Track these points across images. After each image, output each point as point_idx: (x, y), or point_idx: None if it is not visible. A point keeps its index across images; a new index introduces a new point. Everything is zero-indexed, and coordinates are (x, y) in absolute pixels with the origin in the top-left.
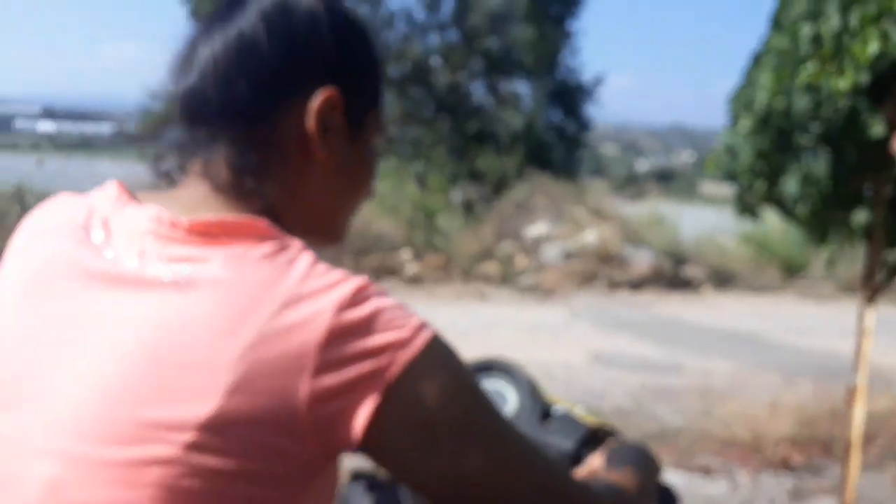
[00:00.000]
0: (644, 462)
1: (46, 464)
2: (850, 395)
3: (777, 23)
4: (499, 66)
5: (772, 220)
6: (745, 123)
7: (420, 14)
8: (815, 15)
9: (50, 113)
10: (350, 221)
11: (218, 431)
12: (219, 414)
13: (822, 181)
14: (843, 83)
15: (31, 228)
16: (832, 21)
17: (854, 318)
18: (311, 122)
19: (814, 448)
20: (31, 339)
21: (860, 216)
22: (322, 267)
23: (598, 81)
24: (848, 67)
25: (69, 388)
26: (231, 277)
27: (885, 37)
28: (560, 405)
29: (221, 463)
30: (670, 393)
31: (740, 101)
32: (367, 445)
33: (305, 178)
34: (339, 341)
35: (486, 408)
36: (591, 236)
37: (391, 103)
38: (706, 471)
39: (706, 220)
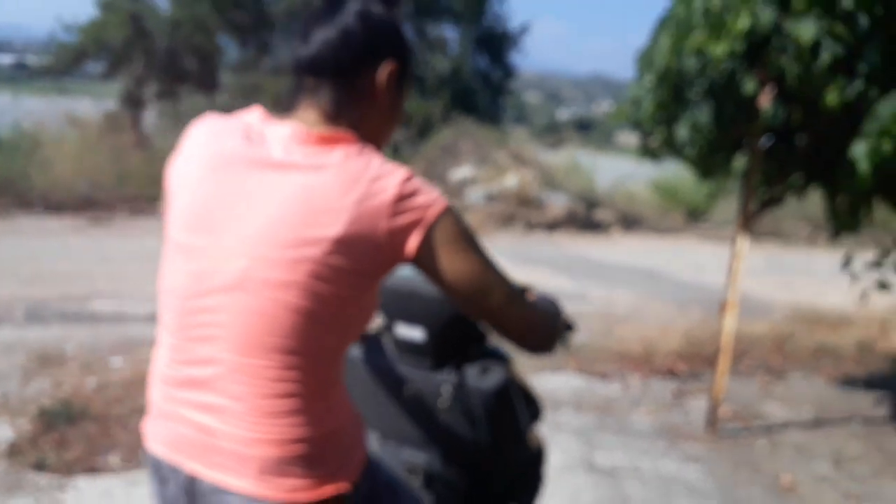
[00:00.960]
0: (550, 300)
1: (240, 260)
2: (723, 307)
3: None
4: (427, 10)
5: (678, 169)
6: (648, 78)
7: None
8: None
9: None
10: (391, 137)
11: (341, 243)
12: (342, 234)
13: (706, 129)
14: (720, 49)
15: (204, 131)
16: None
17: (747, 259)
18: (380, 81)
19: (696, 360)
20: (219, 195)
21: (739, 160)
22: (384, 160)
23: (524, 30)
24: (725, 37)
25: (249, 222)
26: (343, 163)
27: (755, 15)
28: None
29: (341, 261)
30: (577, 316)
31: (645, 59)
32: (416, 258)
33: (371, 111)
34: (400, 201)
35: (475, 241)
36: (511, 180)
37: None
38: (603, 375)
39: (621, 169)
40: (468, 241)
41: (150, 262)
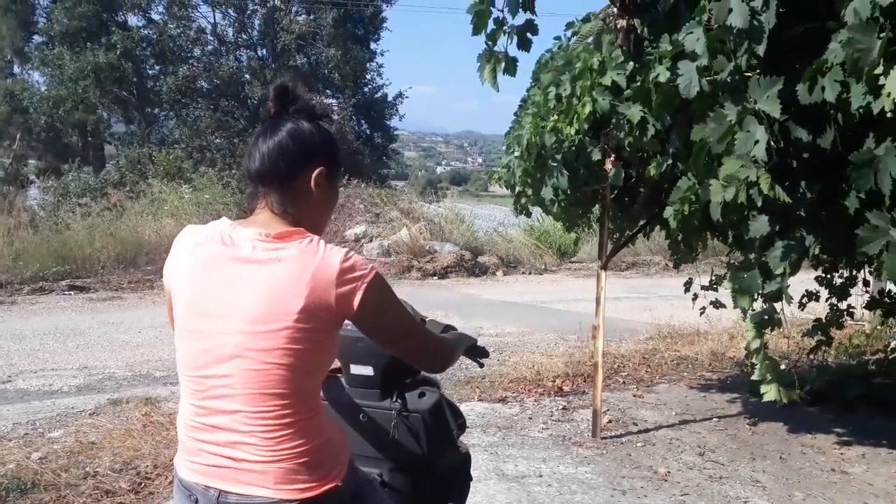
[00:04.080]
0: (466, 337)
1: (235, 336)
2: (594, 331)
3: (537, 79)
4: (307, 82)
5: (547, 217)
6: (516, 151)
7: (230, 33)
8: (557, 83)
9: None
10: (329, 220)
11: (304, 311)
12: (304, 305)
13: (565, 190)
14: (571, 130)
15: (189, 239)
16: (566, 88)
17: (610, 289)
18: (313, 182)
19: (578, 379)
20: (212, 289)
21: (596, 212)
22: (330, 245)
23: (400, 96)
24: (574, 120)
25: (235, 306)
26: (298, 254)
27: (594, 101)
28: (429, 318)
29: (307, 324)
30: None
31: (512, 135)
32: (356, 315)
33: (310, 204)
34: (343, 274)
35: (396, 298)
36: (403, 234)
37: (203, 116)
38: (503, 400)
39: (497, 217)
40: (393, 298)
41: (64, 337)
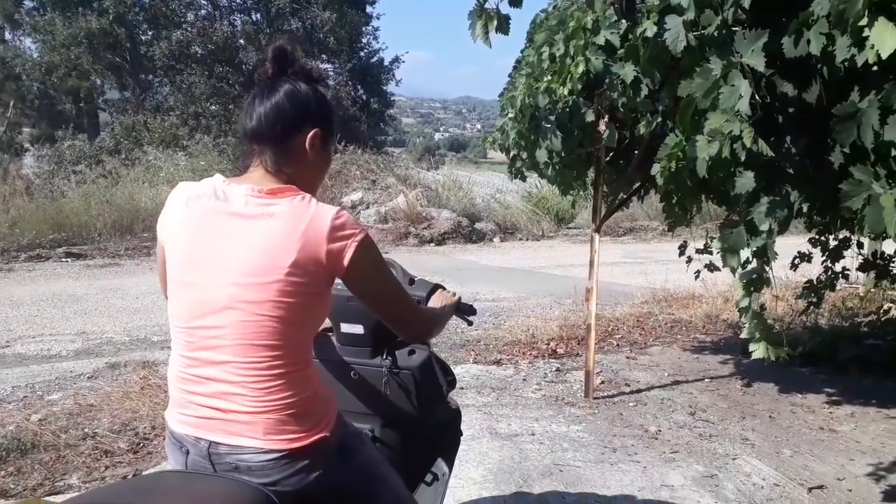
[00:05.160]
0: (451, 297)
1: (227, 288)
2: (587, 293)
3: (530, 40)
4: (302, 46)
5: (545, 184)
6: (510, 112)
7: None
8: (550, 43)
9: None
10: (321, 182)
11: (295, 266)
12: (295, 260)
13: (559, 152)
14: (565, 90)
15: (183, 193)
16: (559, 48)
17: (606, 254)
18: (308, 143)
19: (572, 342)
20: (205, 242)
21: (591, 175)
22: (320, 203)
23: (396, 61)
24: (567, 80)
25: (228, 259)
26: (289, 209)
27: (588, 61)
28: (418, 277)
29: (298, 279)
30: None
31: (506, 97)
32: (345, 275)
33: (303, 166)
34: (333, 231)
35: (389, 271)
36: (400, 201)
37: (198, 82)
38: (498, 362)
39: (495, 183)
40: (381, 262)
41: (62, 303)
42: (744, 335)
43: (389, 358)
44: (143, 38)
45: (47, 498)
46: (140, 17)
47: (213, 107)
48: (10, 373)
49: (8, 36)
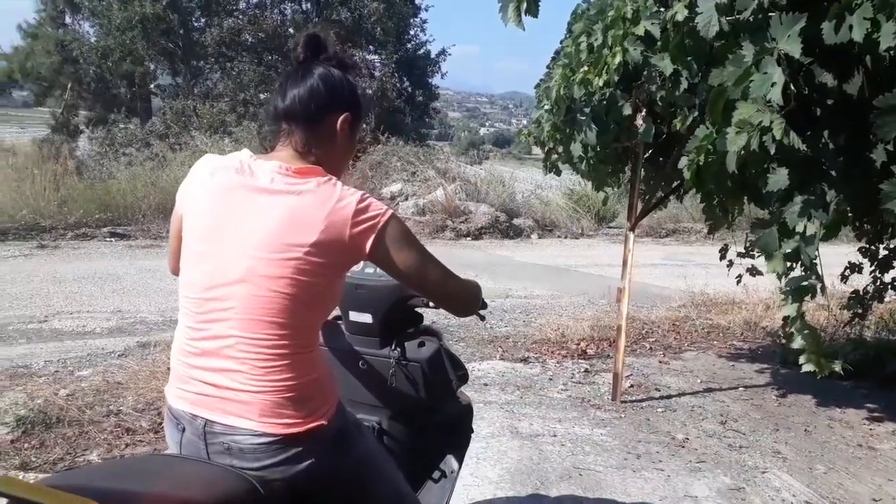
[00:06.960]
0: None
1: (245, 261)
2: (619, 293)
3: (570, 31)
4: (350, 36)
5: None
6: (545, 105)
7: None
8: (588, 33)
9: None
10: (347, 167)
11: (316, 246)
12: (317, 240)
13: (594, 146)
14: (600, 81)
15: (206, 165)
16: (597, 38)
17: (647, 255)
18: (338, 126)
19: (603, 343)
20: (226, 214)
21: (627, 171)
22: (346, 186)
23: (443, 53)
24: (604, 71)
25: (248, 232)
26: (315, 189)
27: (625, 51)
28: None
29: (317, 259)
30: (501, 311)
31: (542, 88)
32: (371, 255)
33: (332, 149)
34: (358, 213)
35: (414, 237)
36: (439, 194)
37: (247, 70)
38: (525, 360)
39: (537, 179)
40: (409, 238)
41: (102, 282)
42: (794, 345)
43: (398, 349)
44: (196, 24)
45: (21, 474)
46: (193, 4)
47: (261, 95)
48: (44, 347)
49: (68, 20)
